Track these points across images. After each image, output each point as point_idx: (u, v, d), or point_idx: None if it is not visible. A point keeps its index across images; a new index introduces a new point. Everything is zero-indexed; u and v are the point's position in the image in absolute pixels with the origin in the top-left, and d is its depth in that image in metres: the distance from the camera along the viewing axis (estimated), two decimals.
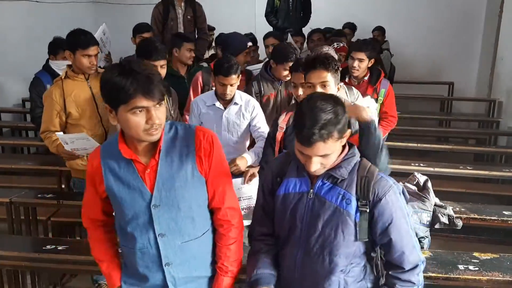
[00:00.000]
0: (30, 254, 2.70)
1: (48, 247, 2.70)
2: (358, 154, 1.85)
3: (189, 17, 5.31)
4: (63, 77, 3.15)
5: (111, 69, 1.66)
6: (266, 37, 5.10)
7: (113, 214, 1.95)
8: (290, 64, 3.31)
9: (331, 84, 2.40)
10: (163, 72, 3.24)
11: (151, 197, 1.79)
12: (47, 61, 4.62)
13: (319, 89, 2.32)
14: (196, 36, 5.39)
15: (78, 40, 3.08)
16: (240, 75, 3.27)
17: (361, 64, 3.97)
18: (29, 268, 2.87)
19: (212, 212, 1.94)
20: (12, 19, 6.68)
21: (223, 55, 3.50)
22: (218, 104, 3.26)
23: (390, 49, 7.35)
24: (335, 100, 1.72)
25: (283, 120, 2.67)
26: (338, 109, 1.68)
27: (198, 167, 1.83)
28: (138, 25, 4.81)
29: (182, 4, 5.29)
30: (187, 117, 3.61)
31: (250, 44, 3.86)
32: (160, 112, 1.68)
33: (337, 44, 4.49)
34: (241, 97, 3.29)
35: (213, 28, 6.50)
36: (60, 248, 2.70)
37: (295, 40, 5.39)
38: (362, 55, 3.94)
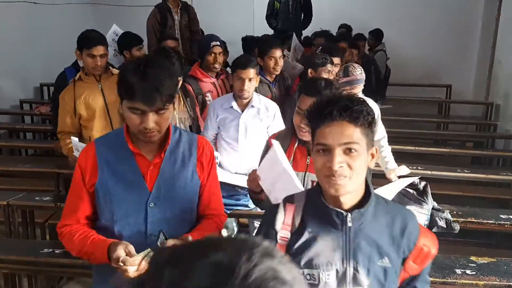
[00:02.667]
0: (27, 257, 2.69)
1: (46, 250, 2.70)
2: None
3: (185, 22, 5.37)
4: (76, 79, 3.18)
5: (131, 63, 1.72)
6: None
7: (91, 219, 1.85)
8: None
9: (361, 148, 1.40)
10: (178, 87, 3.21)
11: (150, 195, 1.77)
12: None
13: (339, 153, 1.37)
14: (192, 38, 5.43)
15: (84, 39, 3.11)
16: (258, 77, 3.23)
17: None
18: (26, 271, 2.87)
19: (201, 217, 1.93)
20: (9, 20, 6.67)
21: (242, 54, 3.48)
22: (235, 106, 3.17)
23: (386, 51, 7.36)
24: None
25: (284, 224, 1.51)
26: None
27: (198, 172, 1.86)
28: (164, 35, 4.80)
29: (178, 10, 5.34)
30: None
31: (215, 43, 3.80)
32: (161, 118, 1.68)
33: None
34: (260, 101, 3.22)
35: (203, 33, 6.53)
36: (57, 251, 2.70)
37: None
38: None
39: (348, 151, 1.36)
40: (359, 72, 3.25)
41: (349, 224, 1.42)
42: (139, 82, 1.62)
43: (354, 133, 1.36)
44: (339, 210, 1.42)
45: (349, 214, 1.41)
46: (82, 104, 3.11)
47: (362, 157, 1.38)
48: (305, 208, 1.48)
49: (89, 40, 3.10)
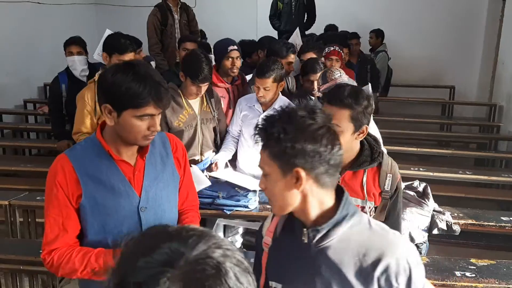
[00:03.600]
0: (26, 257, 2.70)
1: None
2: None
3: (184, 21, 5.45)
4: (96, 79, 3.09)
5: (124, 72, 1.62)
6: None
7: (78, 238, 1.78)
8: None
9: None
10: (205, 89, 3.23)
11: (139, 200, 1.76)
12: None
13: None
14: None
15: (116, 44, 3.11)
16: (282, 83, 3.29)
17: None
18: (25, 271, 2.88)
19: (182, 211, 1.98)
20: (14, 20, 6.71)
21: (266, 57, 3.49)
22: (257, 106, 3.29)
23: (390, 51, 7.34)
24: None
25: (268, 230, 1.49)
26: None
27: (176, 168, 1.91)
28: (183, 37, 4.81)
29: (178, 9, 5.42)
30: None
31: (232, 48, 3.75)
32: (159, 119, 1.71)
33: (328, 48, 4.39)
34: (284, 104, 3.23)
35: (205, 34, 6.56)
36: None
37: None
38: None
39: (263, 176, 1.31)
40: (338, 75, 3.10)
41: (305, 240, 1.28)
42: (150, 88, 1.59)
43: (263, 158, 1.28)
44: (299, 223, 1.31)
45: (304, 230, 1.28)
46: None
47: (275, 181, 1.27)
48: (288, 216, 1.37)
49: (123, 45, 3.11)
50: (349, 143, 1.96)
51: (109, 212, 1.73)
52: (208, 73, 3.11)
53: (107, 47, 3.18)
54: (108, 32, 4.23)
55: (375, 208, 2.11)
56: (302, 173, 1.22)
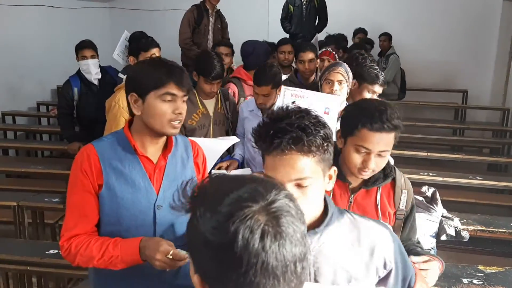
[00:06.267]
0: (32, 258, 2.72)
1: (51, 251, 2.73)
2: None
3: (218, 26, 5.68)
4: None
5: (144, 62, 1.84)
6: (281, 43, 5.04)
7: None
8: None
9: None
10: (218, 87, 3.29)
11: (157, 198, 1.79)
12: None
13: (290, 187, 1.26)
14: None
15: (139, 43, 3.14)
16: (280, 86, 3.25)
17: None
18: (32, 272, 2.90)
19: None
20: (28, 23, 6.80)
21: (264, 64, 3.51)
22: (256, 110, 3.29)
23: (400, 55, 7.28)
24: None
25: None
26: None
27: (196, 172, 1.92)
28: (219, 41, 4.94)
29: (214, 13, 5.63)
30: None
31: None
32: (185, 106, 1.77)
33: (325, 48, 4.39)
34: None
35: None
36: None
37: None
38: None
39: (299, 186, 1.23)
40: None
41: None
42: (168, 70, 1.72)
43: (307, 166, 1.21)
44: None
45: None
46: None
47: (316, 187, 1.25)
48: None
49: (146, 43, 3.15)
50: None
51: (126, 205, 1.76)
52: (220, 70, 3.17)
53: (132, 50, 3.21)
54: (126, 33, 4.29)
55: None
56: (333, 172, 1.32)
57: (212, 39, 5.63)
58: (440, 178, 4.14)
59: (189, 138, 2.03)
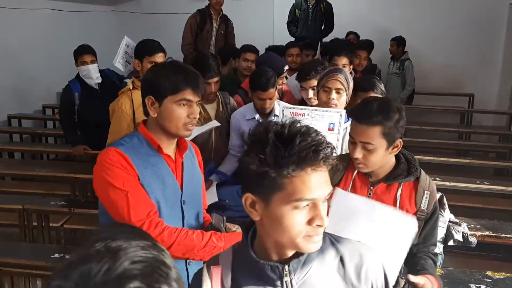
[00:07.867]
0: (38, 261, 2.72)
1: (56, 255, 2.72)
2: None
3: (222, 31, 5.63)
4: (131, 88, 3.06)
5: (162, 66, 1.89)
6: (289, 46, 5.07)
7: None
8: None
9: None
10: (216, 88, 3.26)
11: (182, 194, 1.89)
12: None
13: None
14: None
15: (145, 47, 3.14)
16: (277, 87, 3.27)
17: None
18: (37, 275, 2.89)
19: None
20: (34, 27, 6.83)
21: (258, 69, 3.44)
22: (257, 117, 3.18)
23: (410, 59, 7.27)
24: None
25: None
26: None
27: (200, 171, 2.08)
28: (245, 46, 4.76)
29: (218, 18, 5.60)
30: None
31: (286, 67, 3.82)
32: (198, 109, 1.84)
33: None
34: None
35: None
36: (68, 257, 2.71)
37: (305, 54, 5.28)
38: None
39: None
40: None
41: (286, 279, 1.14)
42: (186, 76, 1.78)
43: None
44: (272, 263, 1.14)
45: (286, 266, 1.14)
46: (141, 113, 3.09)
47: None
48: (234, 267, 1.19)
49: (152, 47, 3.13)
50: (383, 159, 1.88)
51: (159, 201, 1.82)
52: (216, 68, 3.18)
53: (137, 52, 3.19)
54: (126, 39, 4.28)
55: None
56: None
57: (215, 45, 5.61)
58: (447, 183, 4.10)
59: None
